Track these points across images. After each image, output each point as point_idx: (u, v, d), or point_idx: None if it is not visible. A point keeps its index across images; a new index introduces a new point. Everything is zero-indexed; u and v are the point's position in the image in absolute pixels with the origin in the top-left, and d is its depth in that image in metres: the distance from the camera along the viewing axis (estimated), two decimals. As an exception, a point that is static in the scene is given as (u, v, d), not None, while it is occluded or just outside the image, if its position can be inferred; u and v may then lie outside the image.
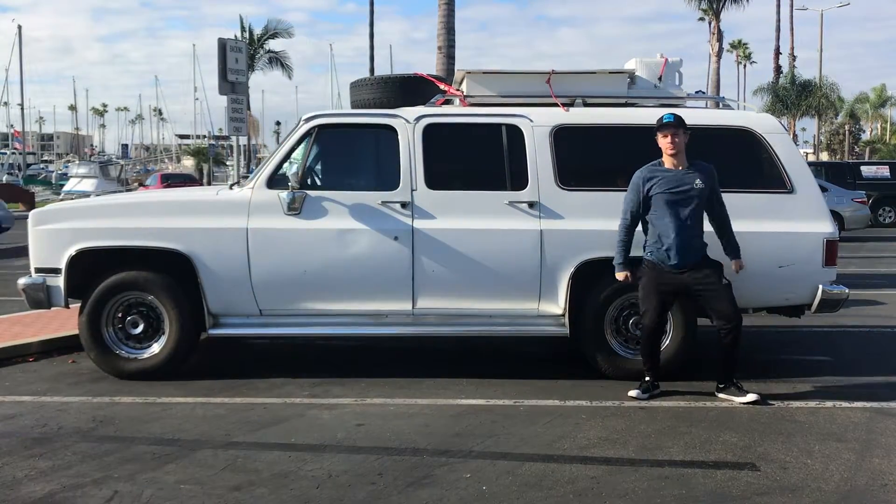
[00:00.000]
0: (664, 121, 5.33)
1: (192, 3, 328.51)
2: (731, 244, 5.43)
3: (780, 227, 5.72)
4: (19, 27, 50.53)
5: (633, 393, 5.45)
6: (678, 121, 5.32)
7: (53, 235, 5.90)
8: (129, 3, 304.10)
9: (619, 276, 5.44)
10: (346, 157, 6.24)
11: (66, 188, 34.35)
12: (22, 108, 50.91)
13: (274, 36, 39.14)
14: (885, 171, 23.73)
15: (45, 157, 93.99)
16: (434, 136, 5.90)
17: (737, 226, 5.46)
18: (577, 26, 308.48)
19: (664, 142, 5.33)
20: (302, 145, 5.96)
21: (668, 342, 5.74)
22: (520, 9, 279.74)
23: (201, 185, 30.80)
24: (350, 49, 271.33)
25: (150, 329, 5.91)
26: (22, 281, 5.96)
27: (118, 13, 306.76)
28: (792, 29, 44.95)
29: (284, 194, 5.75)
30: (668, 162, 5.36)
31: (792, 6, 44.42)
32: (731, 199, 5.49)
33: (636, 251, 5.47)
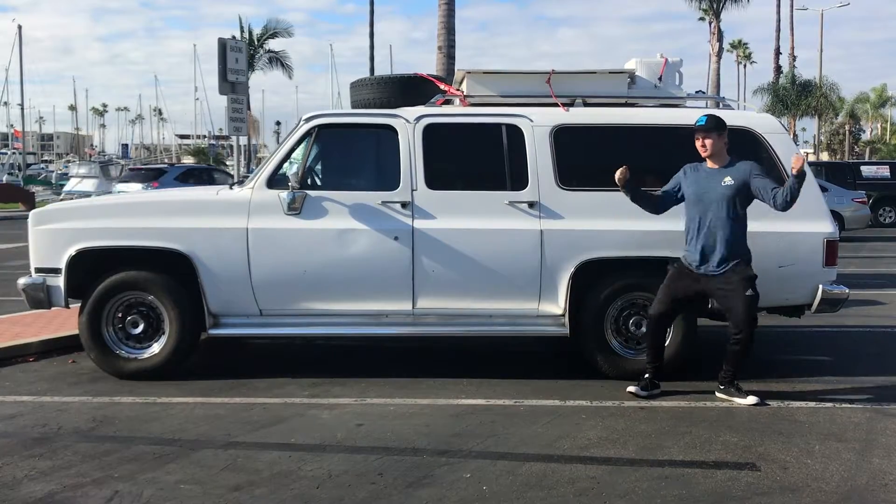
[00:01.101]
0: (697, 124, 5.36)
1: (192, 3, 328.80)
2: (788, 189, 5.09)
3: (780, 227, 5.72)
4: (19, 27, 50.43)
5: (632, 389, 5.45)
6: (709, 124, 5.32)
7: (53, 235, 5.90)
8: (128, 2, 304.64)
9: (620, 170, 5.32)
10: (347, 157, 6.24)
11: (66, 188, 34.26)
12: (22, 108, 50.83)
13: (274, 36, 39.10)
14: (885, 171, 23.74)
15: (46, 157, 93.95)
16: (434, 136, 5.90)
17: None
18: (577, 26, 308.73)
19: (697, 144, 5.37)
20: (302, 145, 5.96)
21: (668, 342, 5.73)
22: (520, 9, 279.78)
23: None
24: (350, 49, 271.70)
25: (150, 329, 5.91)
26: (22, 281, 5.96)
27: (118, 13, 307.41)
28: (792, 29, 45.00)
29: (284, 194, 5.75)
30: (708, 162, 5.40)
31: (792, 6, 44.47)
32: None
33: (674, 251, 5.52)
